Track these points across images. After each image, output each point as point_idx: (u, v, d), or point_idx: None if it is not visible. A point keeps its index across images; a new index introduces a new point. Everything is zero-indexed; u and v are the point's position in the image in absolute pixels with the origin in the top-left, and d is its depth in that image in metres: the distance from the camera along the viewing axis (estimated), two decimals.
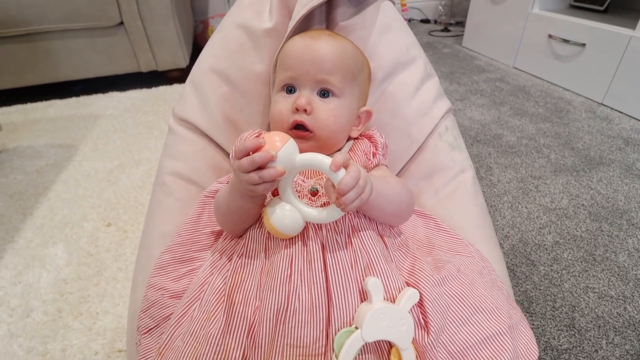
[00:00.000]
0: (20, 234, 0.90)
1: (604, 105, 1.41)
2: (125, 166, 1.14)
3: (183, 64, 1.68)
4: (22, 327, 0.68)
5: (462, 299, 0.40)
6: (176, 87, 1.68)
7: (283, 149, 0.37)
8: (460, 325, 0.39)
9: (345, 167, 0.37)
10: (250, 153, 0.37)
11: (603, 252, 0.81)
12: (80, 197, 1.02)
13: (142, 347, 0.45)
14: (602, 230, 0.87)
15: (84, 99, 1.62)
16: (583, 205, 0.95)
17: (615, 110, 1.38)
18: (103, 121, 1.43)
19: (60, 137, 1.34)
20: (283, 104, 0.48)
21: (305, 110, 0.46)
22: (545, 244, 0.84)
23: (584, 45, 1.44)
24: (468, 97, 1.52)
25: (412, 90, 0.62)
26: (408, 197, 0.47)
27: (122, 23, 1.52)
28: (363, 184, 0.37)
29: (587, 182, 1.02)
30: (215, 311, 0.39)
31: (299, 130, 0.47)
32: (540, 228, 0.88)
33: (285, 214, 0.39)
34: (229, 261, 0.45)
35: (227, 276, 0.43)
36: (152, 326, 0.45)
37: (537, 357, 0.39)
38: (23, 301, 0.73)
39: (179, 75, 1.71)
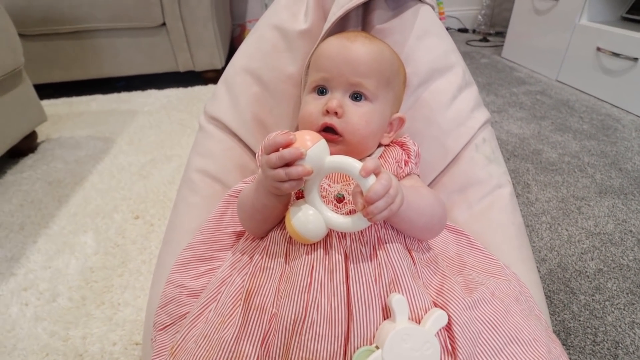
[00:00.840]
0: (55, 221, 0.94)
1: None
2: (157, 161, 1.17)
3: (219, 65, 1.72)
4: (47, 311, 0.70)
5: (496, 327, 0.37)
6: (211, 87, 1.72)
7: (313, 147, 0.36)
8: (492, 355, 0.36)
9: (376, 174, 0.35)
10: (280, 149, 0.36)
11: None
12: (113, 189, 1.05)
13: (157, 343, 0.44)
14: None
15: (124, 95, 1.69)
16: (631, 231, 0.87)
17: None
18: (140, 117, 1.48)
19: (100, 130, 1.40)
20: (313, 105, 0.46)
21: (336, 113, 0.44)
22: (587, 271, 0.77)
23: (636, 59, 1.34)
24: (506, 110, 1.45)
25: (448, 99, 0.59)
26: (440, 211, 0.44)
27: (164, 24, 1.57)
28: (394, 193, 0.35)
29: (636, 207, 0.94)
30: (231, 315, 0.38)
31: (328, 133, 0.45)
32: (581, 253, 0.82)
33: (309, 218, 0.37)
34: (249, 263, 0.44)
35: (245, 279, 0.42)
36: (168, 323, 0.45)
37: None
38: (51, 285, 0.76)
39: (214, 76, 1.75)
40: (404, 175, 0.48)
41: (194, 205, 0.57)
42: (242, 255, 0.45)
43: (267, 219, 0.43)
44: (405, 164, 0.48)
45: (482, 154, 0.58)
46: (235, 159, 0.60)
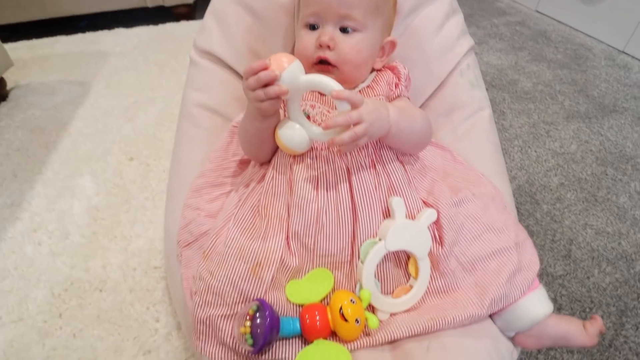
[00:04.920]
0: (47, 167, 0.94)
1: (625, 53, 1.37)
2: (141, 104, 1.15)
3: None
4: (62, 248, 0.75)
5: (476, 219, 0.45)
6: (184, 24, 1.62)
7: (288, 69, 0.39)
8: (472, 240, 0.44)
9: (353, 105, 0.38)
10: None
11: (605, 193, 0.85)
12: (101, 133, 1.04)
13: (184, 258, 0.50)
14: (606, 174, 0.90)
15: (89, 35, 1.58)
16: (591, 150, 0.97)
17: (636, 58, 1.34)
18: (112, 59, 1.41)
19: (71, 73, 1.33)
20: (307, 40, 0.49)
21: (328, 47, 0.47)
22: (550, 185, 0.88)
23: None
24: (486, 41, 1.47)
25: (436, 26, 0.61)
26: (428, 129, 0.49)
27: None
28: (361, 132, 0.38)
29: (597, 129, 1.04)
30: (253, 224, 0.44)
31: (323, 64, 0.48)
32: (547, 170, 0.91)
33: (295, 132, 0.42)
34: (258, 184, 0.48)
35: (255, 199, 0.47)
36: (191, 240, 0.50)
37: (538, 269, 0.44)
38: (60, 225, 0.79)
39: (186, 12, 1.64)
40: (394, 97, 0.52)
41: (198, 138, 0.60)
42: (251, 180, 0.50)
43: (262, 142, 0.47)
44: (395, 87, 0.52)
45: (466, 79, 0.63)
46: (233, 91, 0.62)
